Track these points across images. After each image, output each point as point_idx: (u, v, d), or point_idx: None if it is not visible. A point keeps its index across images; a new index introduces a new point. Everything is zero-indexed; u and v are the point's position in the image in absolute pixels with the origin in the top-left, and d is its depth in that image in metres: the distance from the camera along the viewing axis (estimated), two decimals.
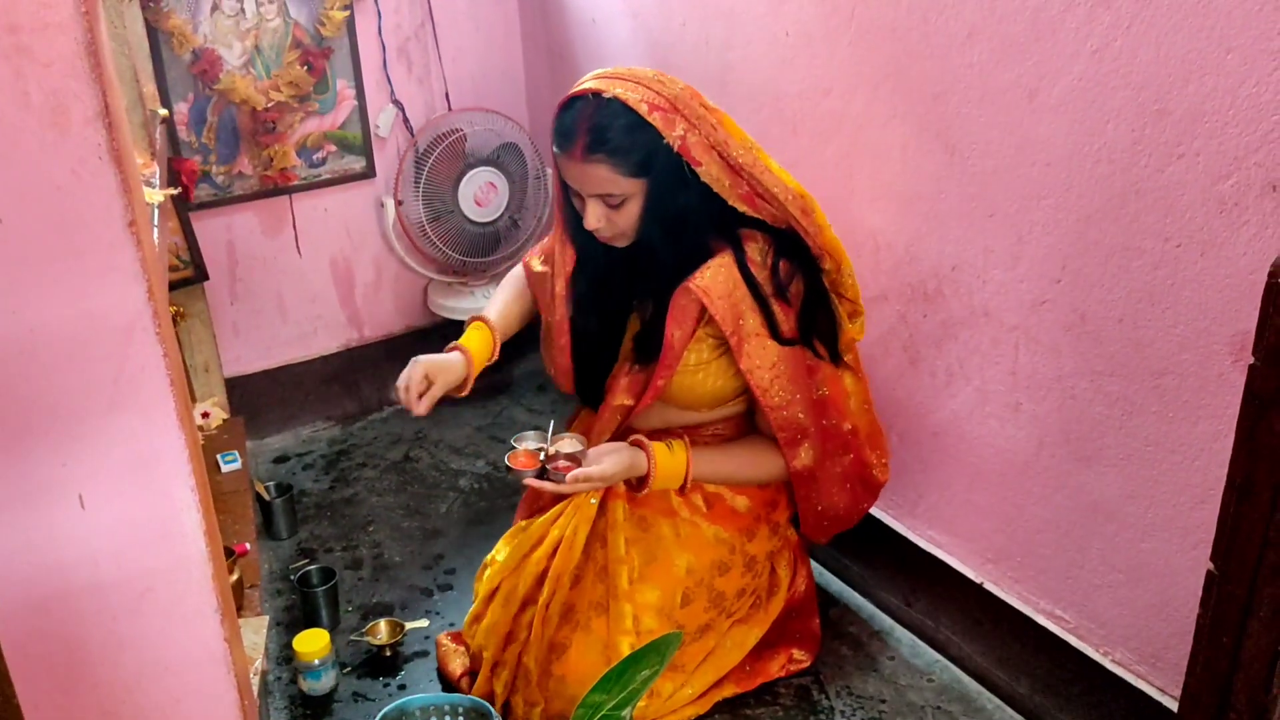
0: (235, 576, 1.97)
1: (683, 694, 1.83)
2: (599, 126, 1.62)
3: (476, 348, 1.85)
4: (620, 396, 1.82)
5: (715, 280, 1.67)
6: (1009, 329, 1.70)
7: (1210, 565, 1.02)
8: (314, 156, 2.76)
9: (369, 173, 2.84)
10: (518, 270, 2.02)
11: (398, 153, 2.86)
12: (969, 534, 1.91)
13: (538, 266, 1.96)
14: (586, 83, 1.67)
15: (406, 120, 2.86)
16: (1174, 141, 1.39)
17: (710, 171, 1.64)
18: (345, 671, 2.04)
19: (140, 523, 1.25)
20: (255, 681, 1.62)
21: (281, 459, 2.81)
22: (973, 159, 1.68)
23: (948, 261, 1.77)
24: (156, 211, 1.59)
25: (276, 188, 2.73)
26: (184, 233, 2.48)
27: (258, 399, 2.85)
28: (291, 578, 2.26)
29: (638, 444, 1.78)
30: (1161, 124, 1.40)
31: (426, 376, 1.78)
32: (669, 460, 1.77)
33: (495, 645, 1.86)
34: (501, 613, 1.86)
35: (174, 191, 2.05)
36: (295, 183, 2.75)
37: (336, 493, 2.65)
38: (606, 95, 1.62)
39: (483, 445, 2.84)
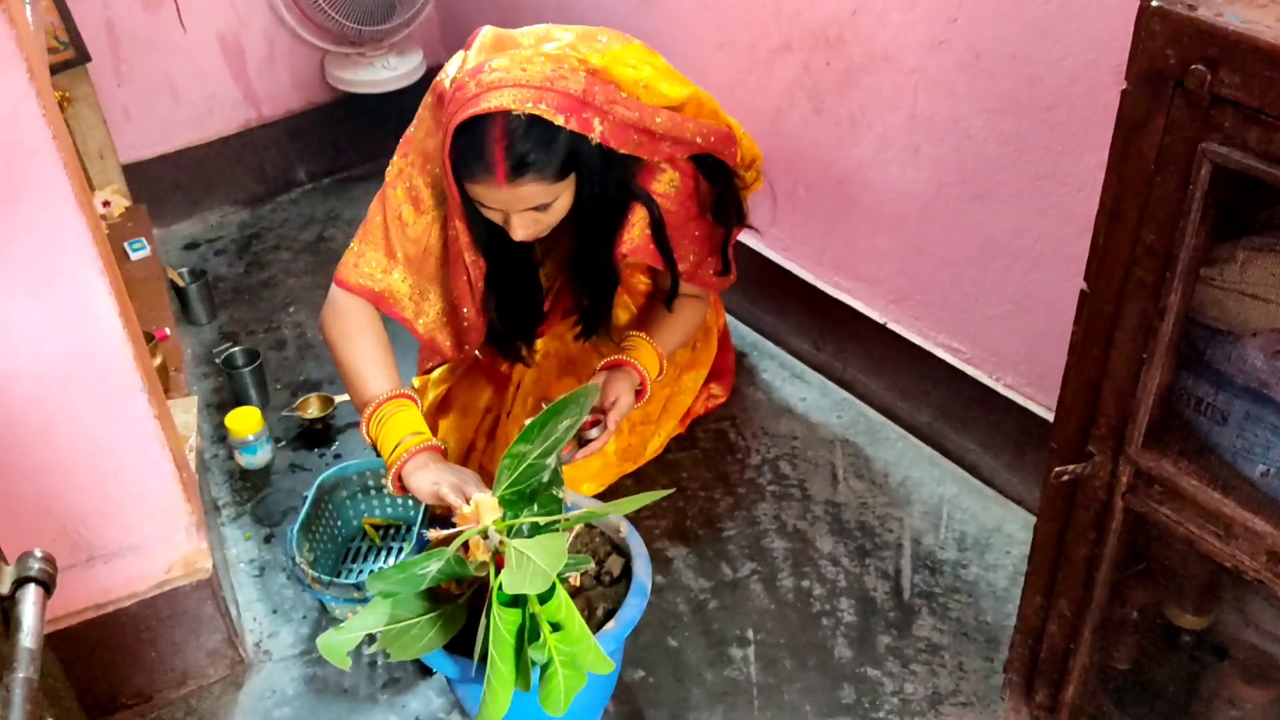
0: (158, 361, 1.99)
1: (655, 442, 1.99)
2: (517, 148, 1.45)
3: (419, 427, 1.61)
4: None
5: (641, 242, 1.69)
6: (908, 72, 1.72)
7: (1084, 285, 1.10)
8: None
9: None
10: (357, 307, 1.76)
11: None
12: (872, 278, 1.99)
13: (396, 279, 1.76)
14: (487, 99, 1.43)
15: None
16: None
17: (628, 144, 1.57)
18: (280, 445, 2.11)
19: (54, 309, 1.26)
20: (191, 458, 1.67)
21: (192, 245, 2.78)
22: None
23: (848, 5, 1.76)
24: None
25: None
26: (59, 12, 2.35)
27: (159, 185, 2.77)
28: (216, 360, 2.29)
29: (616, 365, 1.77)
30: None
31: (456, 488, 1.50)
32: (648, 362, 1.79)
33: (454, 454, 1.89)
34: (460, 422, 1.91)
35: None
36: None
37: (252, 276, 2.64)
38: (516, 112, 1.43)
39: None
